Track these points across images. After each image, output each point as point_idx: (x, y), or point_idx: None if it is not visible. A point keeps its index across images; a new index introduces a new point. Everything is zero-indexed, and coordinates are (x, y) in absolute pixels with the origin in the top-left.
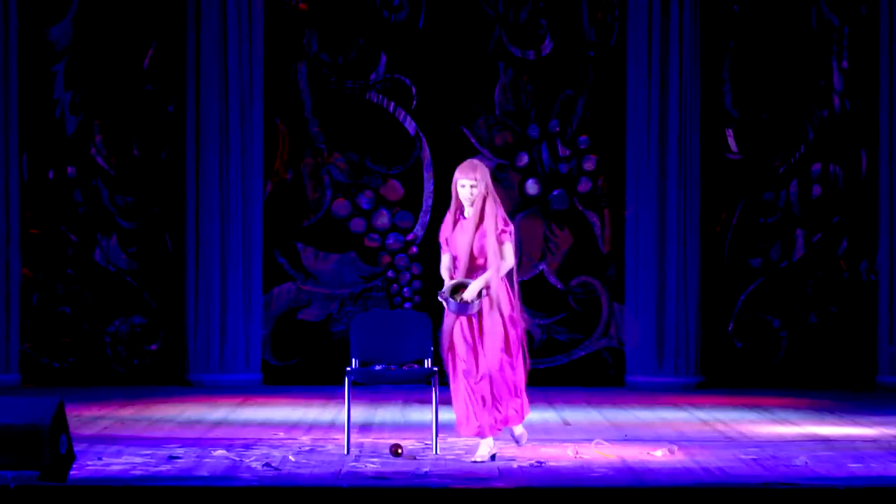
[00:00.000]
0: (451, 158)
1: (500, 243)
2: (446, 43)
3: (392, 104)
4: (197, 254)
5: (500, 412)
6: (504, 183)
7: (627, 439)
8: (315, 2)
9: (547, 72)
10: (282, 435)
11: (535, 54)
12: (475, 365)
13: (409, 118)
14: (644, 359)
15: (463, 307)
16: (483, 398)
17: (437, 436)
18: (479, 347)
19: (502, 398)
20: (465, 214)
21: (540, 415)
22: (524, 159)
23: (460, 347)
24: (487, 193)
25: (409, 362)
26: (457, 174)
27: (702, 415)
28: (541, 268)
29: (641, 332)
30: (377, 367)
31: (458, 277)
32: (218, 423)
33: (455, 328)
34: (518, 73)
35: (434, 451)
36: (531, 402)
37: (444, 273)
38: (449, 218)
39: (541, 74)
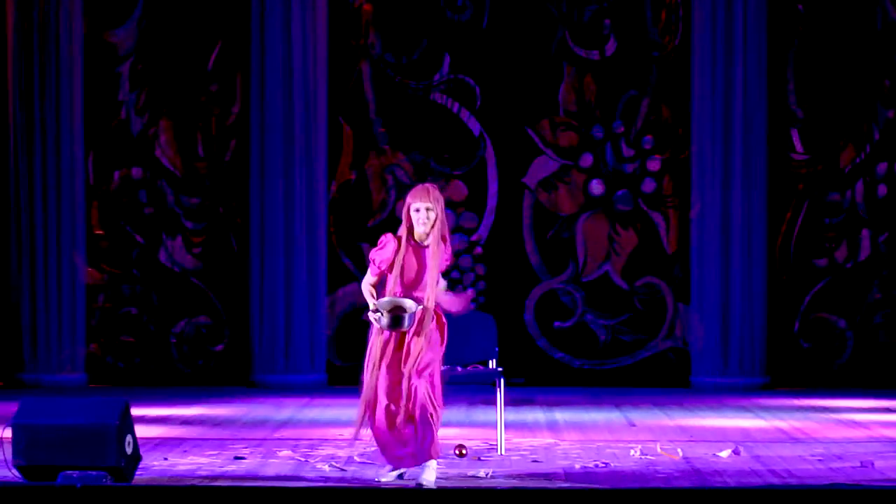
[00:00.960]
0: (515, 159)
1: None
2: (510, 43)
3: (456, 104)
4: (262, 254)
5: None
6: (569, 184)
7: (693, 440)
8: (379, 2)
9: (611, 72)
10: (347, 435)
11: (600, 54)
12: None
13: (473, 118)
14: (709, 359)
15: (398, 321)
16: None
17: (502, 436)
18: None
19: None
20: (416, 239)
21: (605, 415)
22: (588, 160)
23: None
24: (442, 220)
25: (474, 363)
26: (409, 198)
27: (767, 415)
28: (605, 268)
29: (707, 332)
30: (442, 368)
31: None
32: (283, 424)
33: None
34: (582, 74)
35: (499, 452)
36: (595, 403)
37: (368, 290)
38: (391, 241)
39: (605, 75)
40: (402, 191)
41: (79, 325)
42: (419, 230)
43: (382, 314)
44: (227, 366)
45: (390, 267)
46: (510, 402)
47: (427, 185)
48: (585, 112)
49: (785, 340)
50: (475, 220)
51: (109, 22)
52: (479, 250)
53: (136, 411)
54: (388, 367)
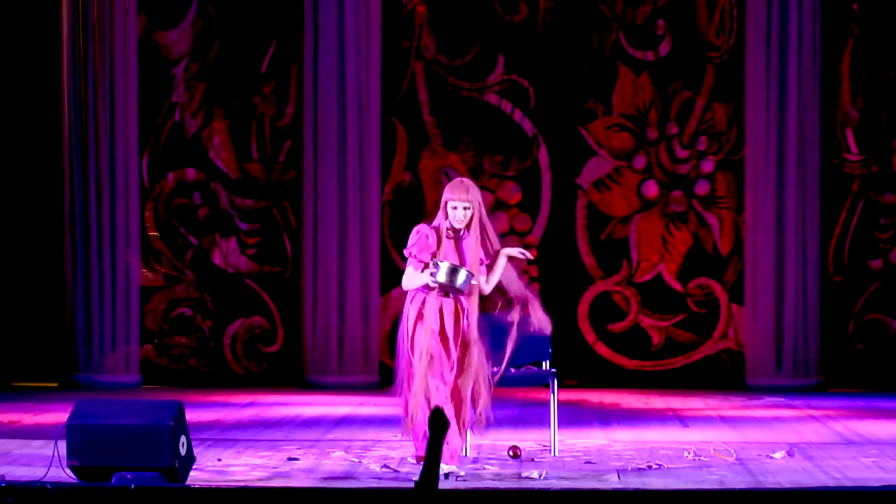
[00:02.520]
0: (569, 160)
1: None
2: (564, 44)
3: (510, 105)
4: (315, 255)
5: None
6: (622, 185)
7: (746, 442)
8: (433, 3)
9: (665, 73)
10: (400, 436)
11: (654, 55)
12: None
13: (526, 119)
14: (763, 361)
15: (456, 277)
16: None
17: (555, 437)
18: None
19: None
20: (454, 232)
21: (658, 417)
22: (642, 161)
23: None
24: (481, 216)
25: (527, 364)
26: (447, 194)
27: (821, 416)
28: (659, 270)
29: (760, 333)
30: (494, 369)
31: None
32: (336, 425)
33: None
34: (636, 74)
35: (553, 453)
36: (649, 404)
37: (414, 277)
38: (431, 235)
39: (659, 75)
40: None
41: (133, 326)
42: (456, 226)
43: (439, 267)
44: (280, 367)
45: (433, 258)
46: (564, 402)
47: (465, 180)
48: (639, 113)
49: (839, 342)
50: (528, 222)
51: (163, 23)
52: (532, 252)
53: (190, 412)
54: (437, 354)
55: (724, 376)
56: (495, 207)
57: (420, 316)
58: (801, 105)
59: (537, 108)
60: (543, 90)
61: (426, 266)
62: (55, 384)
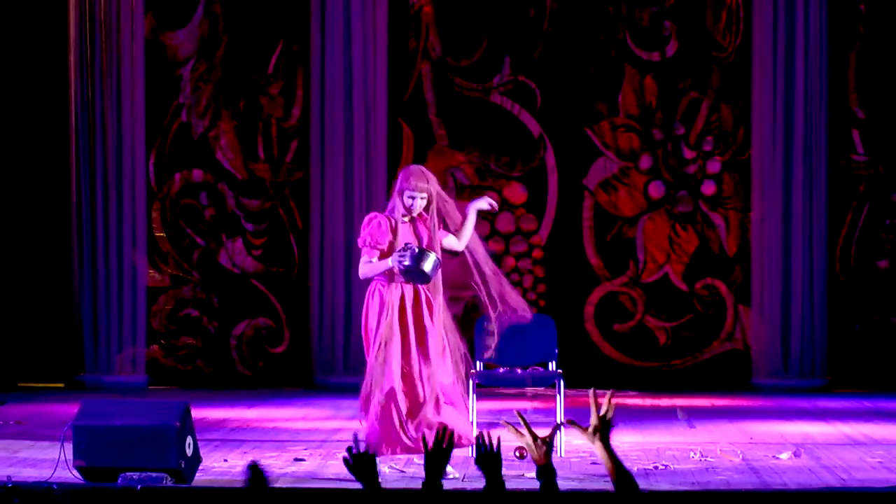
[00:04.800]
0: (575, 160)
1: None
2: (571, 45)
3: (516, 106)
4: (321, 255)
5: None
6: (628, 185)
7: (752, 442)
8: (440, 4)
9: (671, 73)
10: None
11: (660, 56)
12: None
13: (533, 120)
14: (770, 361)
15: (425, 262)
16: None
17: (562, 438)
18: (421, 355)
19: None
20: (409, 219)
21: (665, 417)
22: (648, 161)
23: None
24: (437, 201)
25: (533, 364)
26: (403, 183)
27: (828, 417)
28: (665, 270)
29: (767, 334)
30: (501, 370)
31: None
32: (343, 426)
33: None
34: (642, 75)
35: (559, 454)
36: (655, 405)
37: (372, 264)
38: (384, 222)
39: (665, 76)
40: (463, 192)
41: (139, 326)
42: (413, 214)
43: (409, 250)
44: (287, 367)
45: (390, 246)
46: (570, 403)
47: (423, 170)
48: (645, 113)
49: (846, 342)
50: (535, 223)
51: (170, 24)
52: (538, 253)
53: (196, 413)
54: (401, 347)
55: (731, 377)
56: (501, 208)
57: (382, 307)
58: (807, 106)
59: (544, 109)
60: (550, 91)
61: (386, 254)
62: (61, 385)
